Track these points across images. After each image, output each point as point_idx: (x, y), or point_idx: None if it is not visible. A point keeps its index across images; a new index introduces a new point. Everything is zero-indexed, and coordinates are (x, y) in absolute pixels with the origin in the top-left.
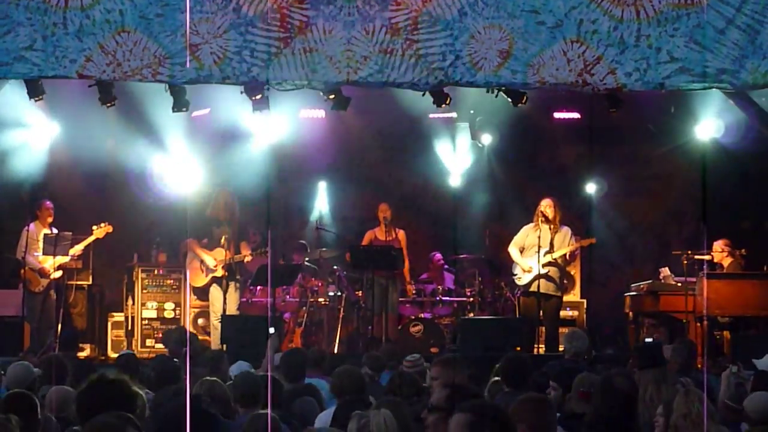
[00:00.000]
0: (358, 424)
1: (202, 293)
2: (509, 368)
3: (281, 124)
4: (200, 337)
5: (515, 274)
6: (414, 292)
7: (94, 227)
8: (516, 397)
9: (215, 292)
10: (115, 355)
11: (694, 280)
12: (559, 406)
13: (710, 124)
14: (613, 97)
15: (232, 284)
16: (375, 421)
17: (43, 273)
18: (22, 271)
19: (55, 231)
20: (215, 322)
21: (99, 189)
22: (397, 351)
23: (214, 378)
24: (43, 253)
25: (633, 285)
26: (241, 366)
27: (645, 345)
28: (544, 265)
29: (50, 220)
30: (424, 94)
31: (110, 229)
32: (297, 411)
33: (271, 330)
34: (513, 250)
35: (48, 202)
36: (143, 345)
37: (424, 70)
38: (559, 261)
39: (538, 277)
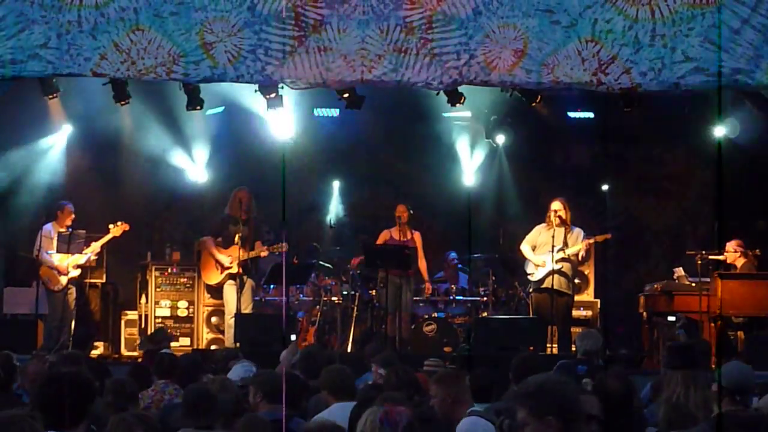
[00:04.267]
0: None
1: (216, 292)
2: (520, 368)
3: (295, 122)
4: (214, 335)
5: (529, 273)
6: (429, 291)
7: (111, 225)
8: None
9: (229, 290)
10: (128, 353)
11: (708, 280)
12: None
13: (725, 124)
14: (627, 96)
15: (248, 282)
16: (369, 419)
17: (59, 271)
18: (40, 270)
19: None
20: (230, 320)
21: (113, 188)
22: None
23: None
24: (57, 252)
25: (647, 285)
26: (237, 369)
27: (676, 344)
28: (557, 261)
29: (69, 223)
30: (438, 94)
31: (127, 227)
32: (311, 409)
33: (293, 337)
34: (525, 247)
35: (70, 206)
36: None
37: (439, 69)
38: (572, 258)
39: (551, 273)
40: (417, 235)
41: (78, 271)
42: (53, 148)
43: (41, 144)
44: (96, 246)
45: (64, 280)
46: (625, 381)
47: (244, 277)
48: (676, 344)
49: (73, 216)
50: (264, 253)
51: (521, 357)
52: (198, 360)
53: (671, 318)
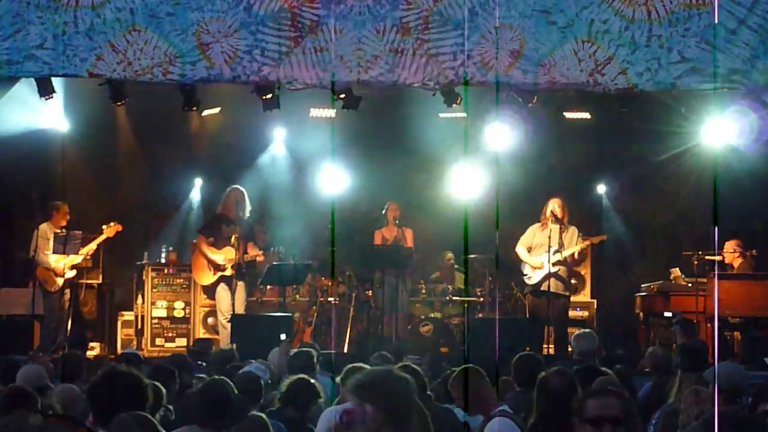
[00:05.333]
0: None
1: (212, 292)
2: (522, 368)
3: (292, 122)
4: (210, 336)
5: (525, 274)
6: (424, 292)
7: (104, 226)
8: (527, 396)
9: (222, 292)
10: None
11: (704, 280)
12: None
13: (721, 124)
14: (624, 97)
15: (240, 283)
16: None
17: (56, 273)
18: (37, 270)
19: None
20: (223, 321)
21: (109, 188)
22: (406, 348)
23: (221, 377)
24: (53, 252)
25: (644, 285)
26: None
27: (688, 346)
28: (553, 264)
29: (64, 223)
30: (434, 94)
31: (120, 228)
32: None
33: (283, 336)
34: (520, 249)
35: (59, 204)
36: (153, 344)
37: (435, 70)
38: (568, 260)
39: (548, 276)
40: (409, 232)
41: (74, 272)
42: (50, 149)
43: (38, 144)
44: (91, 246)
45: (60, 281)
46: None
47: (235, 280)
48: (688, 347)
49: (68, 216)
50: (260, 258)
51: (522, 357)
52: (168, 367)
53: (667, 314)
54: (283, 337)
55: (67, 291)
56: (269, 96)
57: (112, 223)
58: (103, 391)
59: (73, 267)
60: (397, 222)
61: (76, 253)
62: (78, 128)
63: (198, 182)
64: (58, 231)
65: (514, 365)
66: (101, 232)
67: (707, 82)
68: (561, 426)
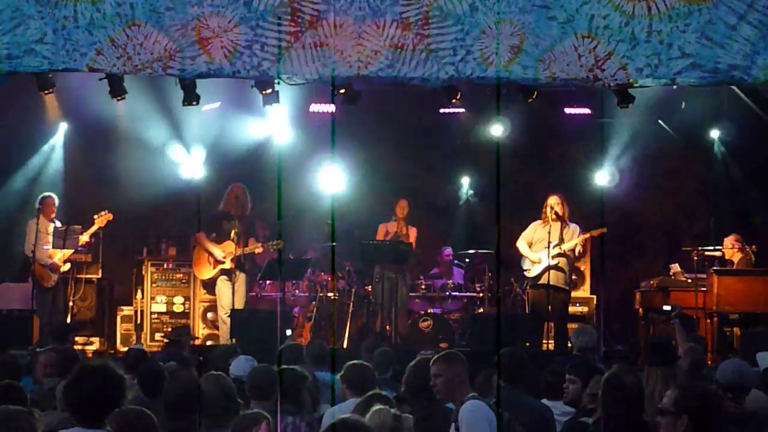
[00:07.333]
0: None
1: (212, 287)
2: (506, 363)
3: (291, 118)
4: (210, 331)
5: (525, 268)
6: (423, 287)
7: (95, 216)
8: (512, 392)
9: (222, 286)
10: (124, 349)
11: (704, 276)
12: (577, 400)
13: (721, 119)
14: (624, 92)
15: (241, 275)
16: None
17: (53, 268)
18: (32, 266)
19: (58, 224)
20: (223, 316)
21: (109, 182)
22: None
23: (219, 372)
24: (53, 247)
25: (643, 281)
26: (240, 363)
27: (655, 341)
28: (554, 257)
29: (53, 215)
30: (434, 89)
31: (110, 216)
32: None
33: (288, 332)
34: (521, 244)
35: (51, 197)
36: (152, 339)
37: (435, 65)
38: (569, 254)
39: (548, 269)
40: (413, 231)
41: (68, 266)
42: (49, 144)
43: (37, 140)
44: (83, 238)
45: (55, 276)
46: (638, 377)
47: (236, 273)
48: (655, 341)
49: (54, 208)
50: (259, 250)
51: (509, 353)
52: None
53: (666, 307)
54: (288, 332)
55: (62, 286)
56: (269, 91)
57: (102, 212)
58: (80, 389)
59: (66, 261)
60: (403, 219)
61: (76, 248)
62: (78, 123)
63: (198, 177)
64: (59, 226)
65: (502, 361)
66: (93, 223)
67: (707, 78)
68: (636, 424)
